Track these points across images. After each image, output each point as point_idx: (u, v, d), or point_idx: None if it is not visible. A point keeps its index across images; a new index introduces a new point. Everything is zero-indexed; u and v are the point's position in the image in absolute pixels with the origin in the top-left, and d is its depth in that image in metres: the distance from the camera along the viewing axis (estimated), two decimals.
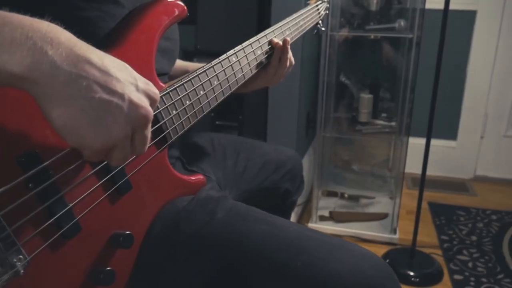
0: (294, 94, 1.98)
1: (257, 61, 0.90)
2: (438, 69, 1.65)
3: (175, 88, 0.68)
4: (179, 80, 0.70)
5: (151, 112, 0.49)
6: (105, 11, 0.64)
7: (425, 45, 1.94)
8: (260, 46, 0.92)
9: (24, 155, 0.49)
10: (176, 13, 0.70)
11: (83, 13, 0.62)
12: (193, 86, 0.72)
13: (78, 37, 0.47)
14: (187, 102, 0.70)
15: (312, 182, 2.28)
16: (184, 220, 0.68)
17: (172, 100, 0.67)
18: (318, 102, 2.08)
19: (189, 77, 0.72)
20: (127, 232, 0.59)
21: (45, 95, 0.43)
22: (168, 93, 0.67)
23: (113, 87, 0.45)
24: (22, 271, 0.47)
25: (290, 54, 0.97)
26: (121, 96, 0.46)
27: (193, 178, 0.75)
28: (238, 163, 1.03)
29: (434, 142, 1.76)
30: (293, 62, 0.99)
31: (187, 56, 2.03)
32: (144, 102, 0.49)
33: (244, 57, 0.86)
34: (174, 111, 0.68)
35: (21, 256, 0.48)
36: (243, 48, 0.86)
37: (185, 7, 0.72)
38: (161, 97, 0.65)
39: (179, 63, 1.01)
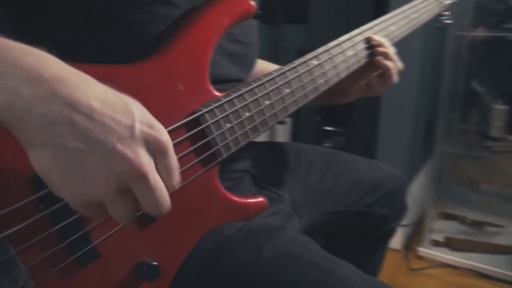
0: (411, 100, 1.80)
1: (347, 64, 0.77)
2: None
3: (231, 99, 0.59)
4: (238, 89, 0.61)
5: (142, 164, 0.39)
6: (154, 13, 0.57)
7: None
8: (354, 46, 0.78)
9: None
10: (240, 11, 0.61)
11: (128, 16, 0.56)
12: (256, 95, 0.62)
13: (120, 43, 0.39)
14: (246, 114, 0.61)
15: (426, 201, 2.03)
16: (227, 253, 0.59)
17: (226, 111, 0.58)
18: (439, 111, 1.83)
19: (251, 85, 0.62)
20: (154, 263, 0.51)
21: (20, 138, 0.38)
22: (221, 104, 0.58)
23: (93, 135, 0.37)
24: None
25: (394, 56, 0.82)
26: (102, 145, 0.38)
27: (249, 201, 0.64)
28: (326, 179, 0.90)
29: None
30: (400, 66, 0.84)
31: (300, 56, 1.94)
32: (135, 152, 0.39)
33: (329, 60, 0.74)
34: (228, 125, 0.58)
35: (29, 282, 0.43)
36: (328, 49, 0.74)
37: (254, 4, 0.62)
38: (213, 109, 0.57)
39: (265, 67, 0.91)
